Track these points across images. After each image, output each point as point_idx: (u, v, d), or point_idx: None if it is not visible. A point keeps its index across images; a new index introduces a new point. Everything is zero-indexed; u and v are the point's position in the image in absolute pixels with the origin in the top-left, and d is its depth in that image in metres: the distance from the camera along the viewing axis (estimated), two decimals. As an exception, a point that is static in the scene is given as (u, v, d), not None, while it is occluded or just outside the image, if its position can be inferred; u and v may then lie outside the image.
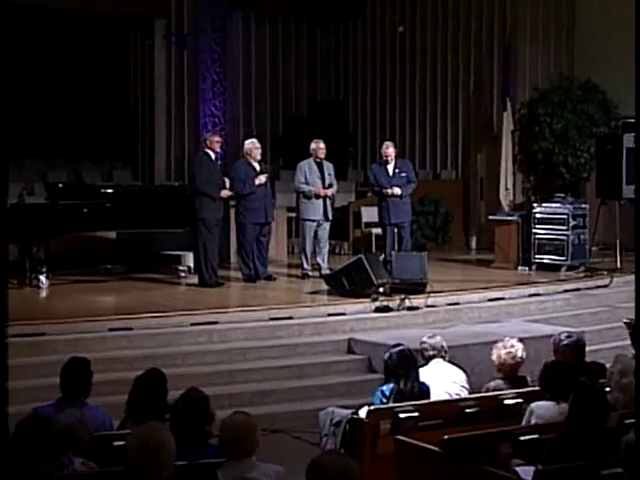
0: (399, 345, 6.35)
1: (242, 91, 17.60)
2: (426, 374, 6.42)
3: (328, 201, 11.72)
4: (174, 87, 17.19)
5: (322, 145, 11.77)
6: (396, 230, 11.67)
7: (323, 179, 11.71)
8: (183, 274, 11.69)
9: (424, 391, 6.22)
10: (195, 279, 11.15)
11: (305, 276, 11.72)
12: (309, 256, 11.74)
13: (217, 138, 11.28)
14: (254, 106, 17.86)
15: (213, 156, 11.07)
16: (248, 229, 11.22)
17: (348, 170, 17.61)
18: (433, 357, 6.67)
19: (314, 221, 11.66)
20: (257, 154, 11.37)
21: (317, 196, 11.61)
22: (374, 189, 11.98)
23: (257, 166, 11.35)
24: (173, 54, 17.19)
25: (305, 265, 11.75)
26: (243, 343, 9.01)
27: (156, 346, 8.69)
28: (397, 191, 11.61)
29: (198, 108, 17.11)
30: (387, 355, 6.27)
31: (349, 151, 17.85)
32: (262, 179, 11.19)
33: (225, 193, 11.04)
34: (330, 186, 11.73)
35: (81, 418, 4.67)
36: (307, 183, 11.65)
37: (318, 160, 11.76)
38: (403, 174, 11.80)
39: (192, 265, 11.72)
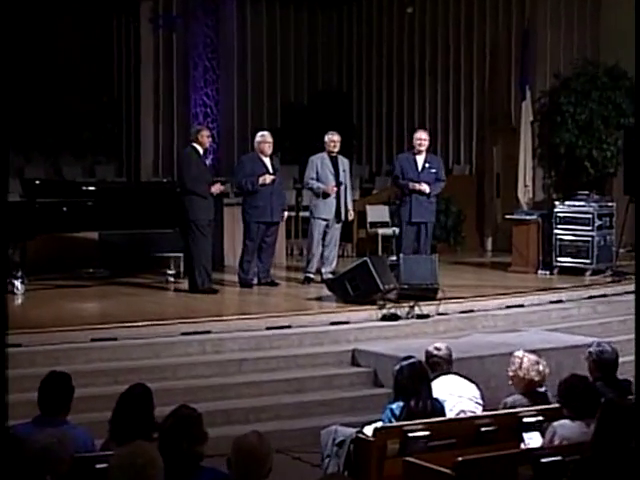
0: (410, 357, 6.26)
1: (237, 79, 17.63)
2: (436, 389, 6.37)
3: (342, 201, 11.63)
4: (162, 75, 17.21)
5: (336, 138, 11.69)
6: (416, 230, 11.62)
7: (337, 176, 11.64)
8: (172, 279, 11.68)
9: (438, 409, 6.13)
10: (185, 284, 11.15)
11: (306, 280, 11.69)
12: (315, 259, 11.69)
13: (207, 132, 11.26)
14: (250, 95, 17.88)
15: (201, 151, 11.05)
16: (252, 228, 11.23)
17: (352, 165, 17.58)
18: (444, 371, 6.64)
19: (325, 220, 11.62)
20: (266, 149, 11.36)
21: (325, 194, 11.57)
22: (399, 182, 11.81)
23: (267, 161, 11.36)
24: (161, 39, 17.23)
25: (308, 268, 11.73)
26: (238, 354, 8.99)
27: (143, 358, 8.67)
28: (425, 188, 11.54)
29: (189, 97, 17.14)
30: (397, 369, 6.18)
31: (353, 144, 17.84)
32: (267, 180, 11.18)
33: (216, 189, 11.00)
34: (341, 184, 11.59)
35: (60, 438, 4.64)
36: (319, 179, 11.63)
37: (333, 155, 11.70)
38: (433, 170, 11.73)
39: (182, 269, 11.72)
